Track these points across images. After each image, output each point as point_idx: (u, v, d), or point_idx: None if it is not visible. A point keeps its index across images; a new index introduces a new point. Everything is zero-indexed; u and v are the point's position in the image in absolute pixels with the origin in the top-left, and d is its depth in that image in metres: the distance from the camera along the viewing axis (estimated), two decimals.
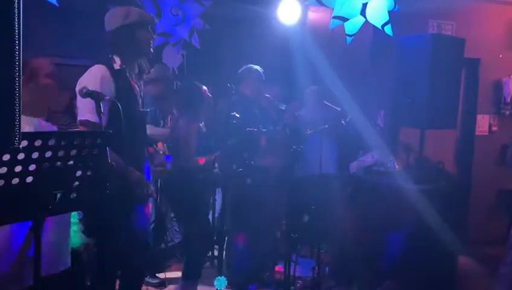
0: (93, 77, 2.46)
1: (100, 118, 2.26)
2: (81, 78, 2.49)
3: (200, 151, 3.52)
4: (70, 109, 3.97)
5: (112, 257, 2.62)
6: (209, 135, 3.80)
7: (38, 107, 2.24)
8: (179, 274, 4.07)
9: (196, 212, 3.54)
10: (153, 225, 3.82)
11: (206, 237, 3.79)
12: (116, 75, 2.54)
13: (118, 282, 2.87)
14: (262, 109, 3.96)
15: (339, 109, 4.13)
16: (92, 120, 2.39)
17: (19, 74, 1.14)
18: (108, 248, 2.59)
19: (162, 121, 4.10)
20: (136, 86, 2.70)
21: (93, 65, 2.54)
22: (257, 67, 3.93)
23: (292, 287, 3.80)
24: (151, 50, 2.66)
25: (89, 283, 3.17)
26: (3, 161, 1.48)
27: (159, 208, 4.14)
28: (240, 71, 3.95)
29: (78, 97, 2.40)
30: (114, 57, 2.59)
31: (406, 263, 3.69)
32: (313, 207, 3.82)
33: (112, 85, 2.49)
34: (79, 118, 2.48)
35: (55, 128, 2.38)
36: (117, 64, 2.58)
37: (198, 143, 3.51)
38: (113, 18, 2.61)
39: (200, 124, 3.61)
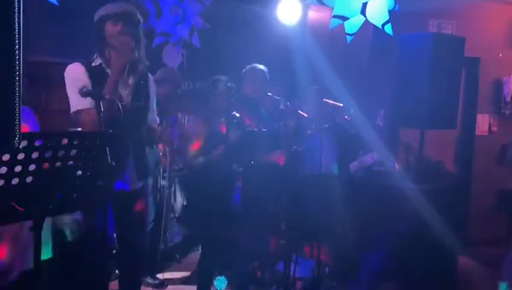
0: (68, 74, 2.55)
1: (100, 117, 2.26)
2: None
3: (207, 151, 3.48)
4: None
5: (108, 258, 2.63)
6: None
7: None
8: (179, 274, 4.08)
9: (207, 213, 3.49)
10: (151, 224, 3.81)
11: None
12: (92, 71, 2.57)
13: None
14: (267, 109, 3.96)
15: (341, 105, 4.12)
16: (82, 107, 2.46)
17: (19, 74, 1.14)
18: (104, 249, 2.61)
19: (164, 122, 4.09)
20: (122, 80, 2.63)
21: None
22: (261, 66, 3.91)
23: (292, 287, 3.80)
24: (121, 41, 2.56)
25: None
26: (3, 161, 1.48)
27: (159, 207, 4.13)
28: (244, 70, 3.93)
29: (68, 92, 2.50)
30: (96, 54, 2.64)
31: (405, 263, 3.69)
32: (313, 207, 3.81)
33: (86, 79, 2.51)
34: (71, 111, 2.53)
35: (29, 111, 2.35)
36: (96, 61, 2.62)
37: (206, 142, 3.48)
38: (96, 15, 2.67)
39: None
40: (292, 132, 3.74)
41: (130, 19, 2.62)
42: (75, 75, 2.53)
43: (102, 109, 2.27)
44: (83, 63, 2.59)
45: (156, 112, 2.92)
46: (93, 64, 2.61)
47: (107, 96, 2.36)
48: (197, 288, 3.48)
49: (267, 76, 3.89)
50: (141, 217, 2.86)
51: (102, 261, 2.67)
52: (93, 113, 2.33)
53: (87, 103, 2.43)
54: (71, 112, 2.55)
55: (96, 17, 2.64)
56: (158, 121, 3.01)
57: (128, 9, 2.65)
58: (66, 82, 2.56)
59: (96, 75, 2.56)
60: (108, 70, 2.59)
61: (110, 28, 2.58)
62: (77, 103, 2.49)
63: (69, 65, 2.58)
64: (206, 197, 3.39)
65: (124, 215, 2.74)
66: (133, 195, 2.74)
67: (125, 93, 2.63)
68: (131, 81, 2.67)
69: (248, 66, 3.93)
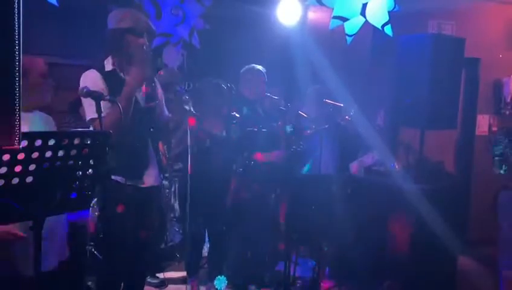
0: (85, 81, 2.56)
1: (100, 117, 2.29)
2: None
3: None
4: (75, 109, 3.99)
5: (118, 259, 2.66)
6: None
7: (29, 104, 2.23)
8: (179, 274, 4.08)
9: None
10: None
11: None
12: (107, 76, 2.61)
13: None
14: (265, 109, 3.96)
15: (342, 105, 4.13)
16: (96, 116, 2.45)
17: (19, 74, 1.14)
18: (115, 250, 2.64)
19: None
20: None
21: (89, 67, 2.64)
22: (259, 67, 3.91)
23: (292, 287, 3.80)
24: (144, 55, 2.65)
25: (89, 283, 3.19)
26: (3, 160, 1.48)
27: (160, 207, 4.14)
28: (242, 71, 3.93)
29: (82, 98, 2.51)
30: (109, 57, 2.66)
31: (406, 263, 3.69)
32: (313, 207, 3.82)
33: (103, 86, 2.55)
34: (86, 119, 2.58)
35: (50, 118, 2.37)
36: (109, 65, 2.65)
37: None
38: (110, 19, 2.70)
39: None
40: (291, 132, 3.73)
41: (150, 32, 2.72)
42: (91, 82, 2.55)
43: (102, 110, 2.30)
44: (97, 69, 2.62)
45: (166, 110, 2.99)
46: (106, 69, 2.65)
47: (107, 97, 2.40)
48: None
49: (265, 76, 3.89)
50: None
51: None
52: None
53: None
54: (86, 119, 2.58)
55: (115, 25, 2.65)
56: (170, 115, 3.04)
57: (149, 23, 2.72)
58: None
59: (112, 81, 2.61)
60: (121, 75, 2.65)
61: (134, 41, 2.63)
62: (92, 110, 2.49)
63: (85, 72, 2.62)
64: (205, 197, 3.39)
65: (149, 210, 2.81)
66: (160, 189, 2.89)
67: (139, 96, 2.72)
68: (143, 85, 2.75)
69: (246, 66, 3.93)
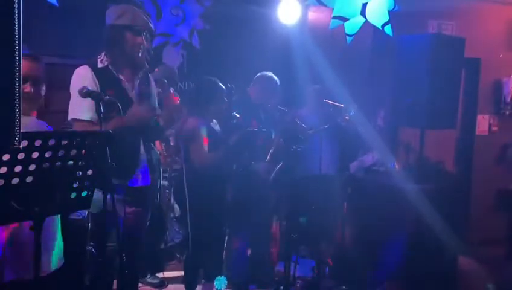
0: (76, 78, 2.55)
1: (100, 117, 2.28)
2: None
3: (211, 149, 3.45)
4: None
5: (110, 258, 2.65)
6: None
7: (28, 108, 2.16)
8: (179, 274, 4.08)
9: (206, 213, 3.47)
10: (148, 223, 3.78)
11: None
12: (99, 73, 2.58)
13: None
14: (267, 113, 3.96)
15: (342, 105, 4.12)
16: (81, 118, 2.49)
17: (19, 74, 1.14)
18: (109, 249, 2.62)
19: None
20: (129, 82, 2.70)
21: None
22: (275, 77, 3.92)
23: (292, 287, 3.80)
24: (140, 54, 2.63)
25: (88, 283, 3.18)
26: (3, 161, 1.48)
27: (159, 207, 4.13)
28: (257, 75, 3.92)
29: (76, 97, 2.47)
30: (103, 54, 2.64)
31: (406, 263, 3.69)
32: (313, 207, 3.82)
33: (93, 83, 2.53)
34: (69, 118, 2.56)
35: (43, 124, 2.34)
36: (103, 62, 2.62)
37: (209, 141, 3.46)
38: (108, 15, 2.66)
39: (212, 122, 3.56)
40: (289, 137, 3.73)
41: (149, 31, 2.69)
42: (82, 78, 2.52)
43: (102, 110, 2.29)
44: (89, 66, 2.59)
45: (158, 109, 2.95)
46: (99, 65, 2.61)
47: (106, 98, 2.38)
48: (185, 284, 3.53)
49: (277, 87, 3.90)
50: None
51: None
52: (90, 128, 2.45)
53: (87, 114, 2.48)
54: (69, 118, 2.56)
55: (114, 21, 2.62)
56: (161, 112, 3.02)
57: (148, 22, 2.69)
58: (72, 86, 2.54)
59: (104, 78, 2.58)
60: (115, 72, 2.63)
61: (132, 40, 2.61)
62: (76, 110, 2.51)
63: (77, 69, 2.59)
64: (205, 197, 3.38)
65: (140, 210, 2.80)
66: (154, 189, 2.85)
67: (133, 94, 2.69)
68: (137, 83, 2.74)
69: (263, 72, 3.93)
